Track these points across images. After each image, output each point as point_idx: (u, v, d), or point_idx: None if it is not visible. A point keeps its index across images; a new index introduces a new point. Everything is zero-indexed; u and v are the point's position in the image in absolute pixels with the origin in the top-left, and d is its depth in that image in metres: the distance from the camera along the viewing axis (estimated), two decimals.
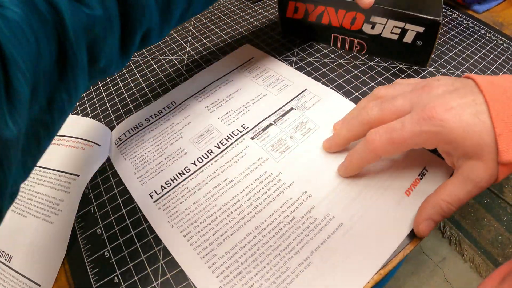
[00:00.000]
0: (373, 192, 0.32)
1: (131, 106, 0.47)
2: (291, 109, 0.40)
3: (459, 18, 0.51)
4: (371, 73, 0.44)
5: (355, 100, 0.41)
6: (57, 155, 0.43)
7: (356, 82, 0.43)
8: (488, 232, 0.80)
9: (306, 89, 0.42)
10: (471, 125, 0.24)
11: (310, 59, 0.48)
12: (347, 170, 0.33)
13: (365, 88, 0.42)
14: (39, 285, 0.35)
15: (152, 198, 0.35)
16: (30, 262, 0.37)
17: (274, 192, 0.33)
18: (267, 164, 0.35)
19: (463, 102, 0.25)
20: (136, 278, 0.33)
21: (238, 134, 0.39)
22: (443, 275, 0.82)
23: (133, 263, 0.34)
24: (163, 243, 0.33)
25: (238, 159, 0.36)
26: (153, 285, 0.32)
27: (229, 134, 0.39)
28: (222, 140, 0.39)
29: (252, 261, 0.29)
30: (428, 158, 0.33)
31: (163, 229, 0.33)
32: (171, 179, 0.36)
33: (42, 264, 0.36)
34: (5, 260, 0.38)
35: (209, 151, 0.38)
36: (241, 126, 0.39)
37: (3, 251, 0.39)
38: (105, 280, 0.33)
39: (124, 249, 0.35)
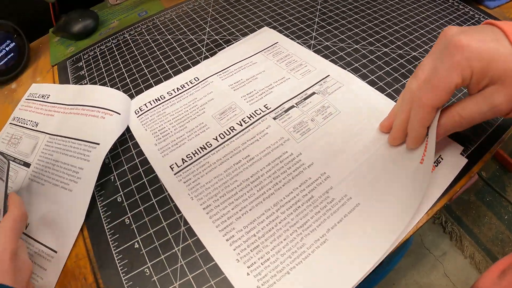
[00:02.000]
0: (389, 175, 0.33)
1: (151, 81, 0.48)
2: (313, 93, 0.41)
3: (470, 12, 0.52)
4: (386, 58, 0.45)
5: (371, 83, 0.42)
6: (77, 124, 0.43)
7: (371, 67, 0.44)
8: (489, 230, 0.81)
9: (329, 75, 0.42)
10: (496, 50, 0.25)
11: (327, 43, 0.49)
12: (414, 137, 0.32)
13: (380, 72, 0.43)
14: (56, 252, 0.35)
15: (173, 170, 0.36)
16: (47, 229, 0.37)
17: (293, 171, 0.34)
18: (288, 144, 0.36)
19: (483, 33, 0.26)
20: (157, 243, 0.33)
21: (260, 113, 0.39)
22: (442, 270, 0.83)
23: (154, 229, 0.34)
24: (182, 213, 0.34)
25: (260, 138, 0.37)
26: (173, 250, 0.33)
27: (252, 113, 0.40)
28: (244, 118, 0.39)
29: (269, 236, 0.30)
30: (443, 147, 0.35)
31: (183, 201, 0.34)
32: (192, 152, 0.37)
33: (59, 231, 0.37)
34: None
35: (231, 128, 0.39)
36: (264, 106, 0.40)
37: None
38: (125, 246, 0.34)
39: (145, 216, 0.35)
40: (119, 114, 0.42)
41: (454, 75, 0.26)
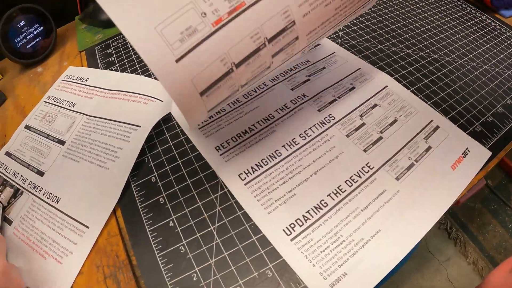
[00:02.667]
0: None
1: None
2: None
3: (487, 20, 0.54)
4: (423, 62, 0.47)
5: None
6: (118, 108, 0.45)
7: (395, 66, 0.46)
8: (493, 237, 0.83)
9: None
10: None
11: (353, 42, 0.50)
12: None
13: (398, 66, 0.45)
14: (88, 227, 0.36)
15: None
16: (79, 204, 0.38)
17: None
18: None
19: None
20: (192, 222, 0.34)
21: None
22: (446, 275, 0.84)
23: (189, 209, 0.35)
24: (219, 192, 0.36)
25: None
26: (209, 229, 0.34)
27: (295, 98, 0.42)
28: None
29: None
30: (469, 141, 0.37)
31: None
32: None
33: (92, 207, 0.37)
34: (53, 201, 0.39)
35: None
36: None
37: (51, 193, 0.40)
38: (160, 224, 0.35)
39: (180, 196, 0.36)
40: (161, 101, 0.44)
41: None
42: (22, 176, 0.43)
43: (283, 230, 0.32)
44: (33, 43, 0.56)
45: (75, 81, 0.52)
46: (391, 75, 0.44)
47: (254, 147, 0.38)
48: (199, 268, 0.32)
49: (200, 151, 0.39)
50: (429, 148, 0.37)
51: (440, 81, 0.44)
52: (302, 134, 0.38)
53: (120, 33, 0.58)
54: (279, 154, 0.37)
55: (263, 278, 0.30)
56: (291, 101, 0.41)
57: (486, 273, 0.82)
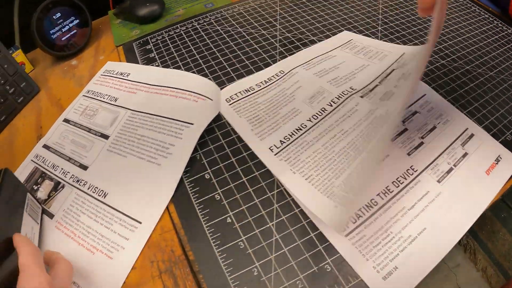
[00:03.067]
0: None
1: (232, 74, 0.50)
2: (393, 70, 0.44)
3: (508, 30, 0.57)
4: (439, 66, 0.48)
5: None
6: (166, 104, 0.44)
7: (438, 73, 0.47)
8: (503, 246, 0.85)
9: (404, 53, 0.46)
10: None
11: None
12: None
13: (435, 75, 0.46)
14: (140, 222, 0.36)
15: (272, 152, 0.38)
16: (130, 200, 0.38)
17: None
18: (377, 112, 0.40)
19: None
20: (250, 219, 0.35)
21: (347, 93, 0.43)
22: (455, 281, 0.86)
23: (246, 205, 0.36)
24: (275, 190, 0.37)
25: (351, 114, 0.40)
26: (268, 225, 0.34)
27: (339, 94, 0.43)
28: (333, 99, 0.42)
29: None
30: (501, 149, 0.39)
31: (286, 176, 0.36)
32: (289, 134, 0.40)
33: (144, 203, 0.37)
34: (99, 196, 0.39)
35: (323, 109, 0.42)
36: (350, 87, 0.43)
37: (97, 187, 0.40)
38: (217, 220, 0.35)
39: (236, 193, 0.37)
40: (211, 100, 0.44)
41: None
42: (62, 169, 0.42)
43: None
44: (68, 35, 0.56)
45: (115, 76, 0.51)
46: (429, 84, 0.45)
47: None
48: (259, 263, 0.32)
49: (253, 150, 0.39)
50: (465, 154, 0.39)
51: (473, 91, 0.46)
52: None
53: (159, 30, 0.58)
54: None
55: (322, 272, 0.31)
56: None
57: (494, 280, 0.84)
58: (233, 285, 0.31)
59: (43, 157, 0.44)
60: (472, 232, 0.87)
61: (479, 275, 0.85)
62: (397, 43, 0.51)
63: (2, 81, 0.50)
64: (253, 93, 0.45)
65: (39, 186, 0.42)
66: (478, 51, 0.53)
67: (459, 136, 0.40)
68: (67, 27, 0.56)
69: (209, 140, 0.41)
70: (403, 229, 0.33)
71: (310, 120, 0.40)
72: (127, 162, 0.40)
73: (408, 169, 0.37)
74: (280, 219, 0.35)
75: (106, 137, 0.44)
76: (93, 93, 0.50)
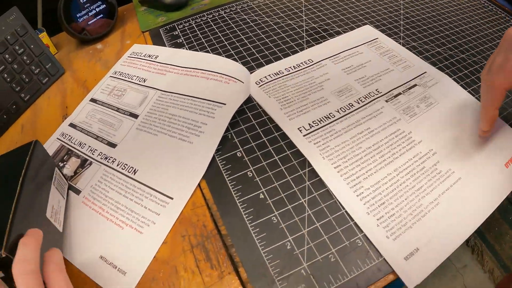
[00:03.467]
0: (481, 159, 0.38)
1: (261, 60, 0.51)
2: (415, 85, 0.45)
3: None
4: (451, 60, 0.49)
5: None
6: (197, 85, 0.45)
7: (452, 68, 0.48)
8: (510, 248, 0.86)
9: (426, 72, 0.47)
10: None
11: (414, 44, 0.53)
12: (487, 119, 0.36)
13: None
14: (172, 198, 0.36)
15: (301, 132, 0.39)
16: (159, 176, 0.38)
17: (407, 145, 0.38)
18: (399, 123, 0.40)
19: None
20: (282, 195, 0.36)
21: (374, 95, 0.44)
22: (462, 281, 0.87)
23: (279, 182, 0.36)
24: (307, 168, 0.37)
25: (376, 115, 0.41)
26: (300, 201, 0.35)
27: (366, 94, 0.44)
28: (360, 97, 0.43)
29: (392, 195, 0.34)
30: None
31: (315, 159, 0.37)
32: (317, 119, 0.40)
33: (175, 180, 0.37)
34: (129, 172, 0.39)
35: (350, 104, 0.43)
36: (376, 90, 0.44)
37: (126, 164, 0.40)
38: (250, 196, 0.36)
39: (268, 170, 0.37)
40: (242, 82, 0.44)
41: None
42: (90, 147, 0.43)
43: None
44: (94, 20, 0.57)
45: (143, 58, 0.52)
46: (450, 76, 0.46)
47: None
48: (292, 237, 0.33)
49: (282, 128, 0.40)
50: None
51: None
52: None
53: (185, 17, 0.59)
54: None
55: (353, 246, 0.32)
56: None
57: None
58: (266, 258, 0.32)
59: (70, 135, 0.45)
60: (480, 233, 0.88)
61: (486, 276, 0.86)
62: (419, 44, 0.52)
63: (28, 61, 0.51)
64: (283, 76, 0.46)
65: (65, 163, 0.42)
66: (486, 44, 0.54)
67: None
68: (93, 12, 0.57)
69: (240, 121, 0.42)
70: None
71: (338, 112, 0.41)
72: (158, 140, 0.41)
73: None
74: (312, 195, 0.35)
75: (135, 116, 0.44)
76: (120, 74, 0.51)
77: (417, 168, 0.36)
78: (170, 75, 0.47)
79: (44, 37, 0.56)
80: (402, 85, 0.45)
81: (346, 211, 0.34)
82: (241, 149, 0.39)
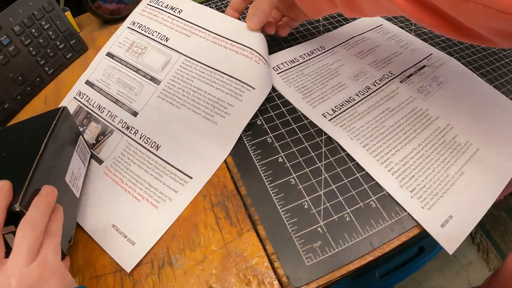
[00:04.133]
0: (497, 129, 0.40)
1: (274, 47, 0.51)
2: (424, 66, 0.47)
3: None
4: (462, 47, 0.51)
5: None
6: (226, 59, 0.40)
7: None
8: None
9: (432, 53, 0.49)
10: None
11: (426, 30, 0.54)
12: (259, 16, 0.39)
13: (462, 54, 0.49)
14: (191, 178, 0.36)
15: (326, 118, 0.41)
16: (181, 154, 0.37)
17: (425, 122, 0.40)
18: (416, 102, 0.42)
19: None
20: (300, 159, 0.37)
21: (388, 77, 0.46)
22: (467, 278, 0.87)
23: (297, 148, 0.38)
24: (323, 136, 0.39)
25: (394, 95, 0.43)
26: (317, 165, 0.36)
27: (381, 77, 0.46)
28: (376, 80, 0.45)
29: (420, 168, 0.36)
30: None
31: (344, 140, 0.38)
32: (339, 104, 0.42)
33: (197, 159, 0.37)
34: (152, 147, 0.39)
35: (367, 87, 0.44)
36: (389, 72, 0.46)
37: (149, 138, 0.39)
38: (269, 159, 0.37)
39: (286, 136, 0.39)
40: (268, 66, 0.41)
41: None
42: (109, 112, 0.41)
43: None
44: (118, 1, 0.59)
45: (165, 9, 0.45)
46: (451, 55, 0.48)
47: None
48: (309, 197, 0.34)
49: (309, 118, 0.42)
50: None
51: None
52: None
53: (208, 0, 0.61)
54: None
55: (368, 208, 0.34)
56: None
57: None
58: (284, 216, 0.33)
59: (87, 95, 0.42)
60: (486, 231, 0.88)
61: (490, 274, 0.86)
62: (418, 28, 0.54)
63: (54, 36, 0.53)
64: (299, 64, 0.47)
65: (85, 128, 0.41)
66: None
67: None
68: None
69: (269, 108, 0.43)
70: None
71: (357, 95, 0.43)
72: (181, 114, 0.38)
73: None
74: (328, 160, 0.37)
75: (157, 81, 0.41)
76: (139, 26, 0.45)
77: (438, 142, 0.38)
78: (195, 38, 0.42)
79: (68, 15, 0.58)
80: (412, 66, 0.47)
81: (360, 175, 0.36)
82: (260, 117, 0.41)
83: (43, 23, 0.52)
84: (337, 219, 0.32)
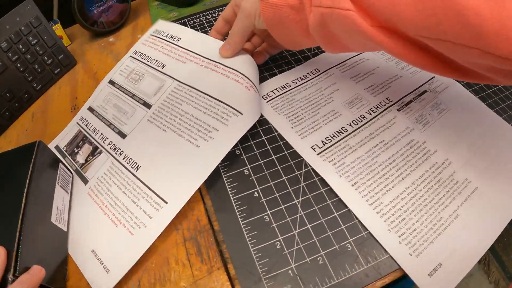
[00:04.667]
0: (501, 166, 0.37)
1: (275, 70, 0.49)
2: (425, 91, 0.44)
3: None
4: None
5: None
6: (216, 83, 0.40)
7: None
8: None
9: (434, 76, 0.46)
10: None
11: None
12: (231, 46, 0.41)
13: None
14: (166, 203, 0.35)
15: (315, 151, 0.38)
16: (159, 176, 0.37)
17: (422, 156, 0.38)
18: (413, 133, 0.40)
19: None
20: (277, 194, 0.36)
21: (385, 104, 0.43)
22: None
23: (274, 182, 0.37)
24: (303, 169, 0.38)
25: (389, 126, 0.40)
26: (294, 202, 0.35)
27: (378, 104, 0.43)
28: (372, 108, 0.42)
29: (412, 210, 0.34)
30: None
31: (331, 178, 0.36)
32: (330, 135, 0.40)
33: (174, 183, 0.36)
34: (132, 168, 0.38)
35: (362, 116, 0.41)
36: (387, 98, 0.43)
37: (131, 159, 0.39)
38: (244, 194, 0.36)
39: (264, 169, 0.38)
40: (259, 94, 0.41)
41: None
42: (102, 134, 0.42)
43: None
44: (107, 13, 0.58)
45: (165, 38, 0.47)
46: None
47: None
48: (283, 237, 0.33)
49: (296, 150, 0.40)
50: None
51: None
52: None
53: (197, 13, 0.60)
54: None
55: (343, 250, 0.32)
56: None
57: None
58: (255, 255, 0.32)
59: (87, 120, 0.45)
60: None
61: (491, 287, 0.84)
62: None
63: (41, 52, 0.53)
64: (290, 89, 0.45)
65: (79, 149, 0.43)
66: None
67: None
68: (106, 5, 0.58)
69: (250, 136, 0.42)
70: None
71: (350, 125, 0.40)
72: (166, 137, 0.39)
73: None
74: (305, 197, 0.35)
75: (148, 106, 0.42)
76: (140, 54, 0.48)
77: (434, 180, 0.36)
78: (189, 65, 0.43)
79: (58, 28, 0.57)
80: (412, 91, 0.44)
81: (338, 215, 0.34)
82: (240, 146, 0.40)
83: (31, 38, 0.51)
84: (310, 262, 0.31)
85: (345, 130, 0.40)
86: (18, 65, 0.50)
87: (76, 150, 0.43)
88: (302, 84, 0.46)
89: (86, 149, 0.42)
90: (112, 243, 0.34)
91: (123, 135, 0.41)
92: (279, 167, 0.38)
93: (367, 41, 0.30)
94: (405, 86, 0.44)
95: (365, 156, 0.37)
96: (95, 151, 0.42)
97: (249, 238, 0.33)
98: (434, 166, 0.37)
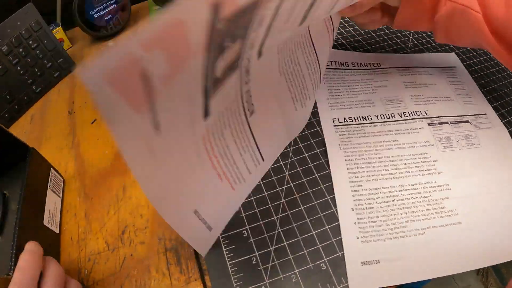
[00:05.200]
0: (498, 214, 0.35)
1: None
2: (467, 121, 0.44)
3: None
4: None
5: None
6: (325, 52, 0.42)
7: None
8: None
9: (485, 113, 0.45)
10: None
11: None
12: (357, 7, 0.36)
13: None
14: (263, 160, 0.34)
15: (333, 123, 0.41)
16: (264, 130, 0.34)
17: (425, 170, 0.38)
18: (430, 148, 0.40)
19: None
20: (256, 209, 0.36)
21: (420, 115, 0.44)
22: None
23: (255, 197, 0.37)
24: (285, 185, 0.38)
25: (411, 132, 0.41)
26: (273, 218, 0.35)
27: (413, 111, 0.44)
28: (405, 112, 0.44)
29: (384, 205, 0.35)
30: None
31: (332, 148, 0.39)
32: (354, 117, 0.42)
33: (271, 138, 0.36)
34: (248, 111, 0.30)
35: (392, 114, 0.43)
36: (424, 111, 0.44)
37: (251, 96, 0.29)
38: (233, 232, 0.36)
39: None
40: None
41: None
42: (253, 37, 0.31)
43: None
44: (107, 17, 0.59)
45: None
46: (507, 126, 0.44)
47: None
48: (259, 252, 0.34)
49: (320, 117, 0.43)
50: None
51: None
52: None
53: None
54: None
55: (317, 270, 0.33)
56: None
57: None
58: (231, 269, 0.33)
59: None
60: None
61: None
62: (490, 84, 0.50)
63: (41, 55, 0.54)
64: (346, 69, 0.48)
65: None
66: None
67: None
68: (107, 9, 0.59)
69: None
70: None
71: (377, 117, 0.43)
72: (278, 83, 0.36)
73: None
74: (285, 214, 0.36)
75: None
76: None
77: (423, 194, 0.36)
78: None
79: (58, 31, 0.58)
80: (454, 116, 0.44)
81: (315, 233, 0.35)
82: None
83: (31, 42, 0.52)
84: (283, 279, 0.32)
85: (370, 119, 0.42)
86: (19, 68, 0.51)
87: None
88: (359, 69, 0.48)
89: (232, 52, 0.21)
90: (215, 200, 0.29)
91: (260, 53, 0.26)
92: (261, 182, 0.38)
93: (482, 43, 0.33)
94: (450, 109, 0.45)
95: (372, 145, 0.39)
96: (235, 62, 0.23)
97: (227, 252, 0.34)
98: (431, 184, 0.37)
